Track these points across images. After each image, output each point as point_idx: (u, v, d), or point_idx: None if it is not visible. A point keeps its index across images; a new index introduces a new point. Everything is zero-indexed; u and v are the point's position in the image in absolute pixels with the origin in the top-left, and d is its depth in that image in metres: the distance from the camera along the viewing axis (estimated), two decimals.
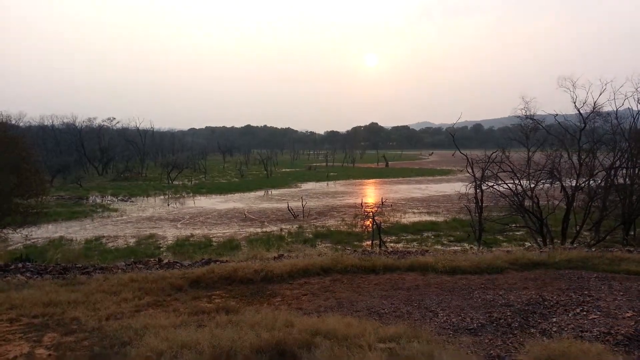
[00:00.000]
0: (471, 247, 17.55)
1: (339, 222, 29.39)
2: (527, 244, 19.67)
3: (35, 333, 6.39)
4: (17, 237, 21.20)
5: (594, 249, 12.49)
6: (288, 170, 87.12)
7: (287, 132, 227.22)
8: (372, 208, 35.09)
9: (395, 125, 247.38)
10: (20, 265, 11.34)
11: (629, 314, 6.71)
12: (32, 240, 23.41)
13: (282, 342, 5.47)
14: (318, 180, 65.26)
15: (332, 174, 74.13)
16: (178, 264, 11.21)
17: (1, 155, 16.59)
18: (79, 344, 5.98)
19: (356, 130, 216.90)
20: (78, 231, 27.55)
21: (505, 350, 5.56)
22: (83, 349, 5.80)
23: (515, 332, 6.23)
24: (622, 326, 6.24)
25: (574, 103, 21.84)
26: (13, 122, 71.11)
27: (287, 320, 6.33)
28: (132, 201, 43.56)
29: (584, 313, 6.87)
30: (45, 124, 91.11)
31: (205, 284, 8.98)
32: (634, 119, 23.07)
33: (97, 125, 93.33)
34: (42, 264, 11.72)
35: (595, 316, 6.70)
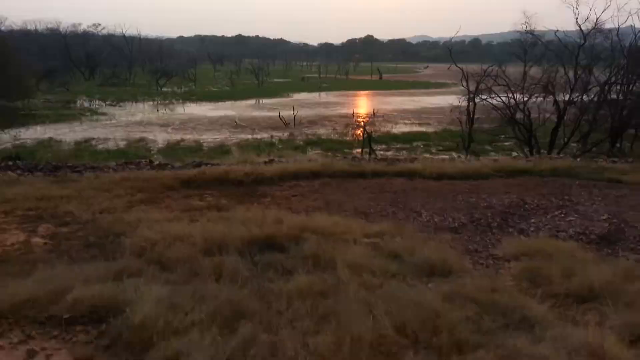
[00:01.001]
0: (459, 156, 17.80)
1: (330, 131, 29.40)
2: (515, 154, 19.96)
3: (30, 224, 6.56)
4: (6, 138, 21.09)
5: (579, 159, 12.73)
6: (280, 80, 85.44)
7: (280, 43, 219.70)
8: (363, 118, 35.01)
9: (392, 38, 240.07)
10: (10, 163, 11.40)
11: (604, 217, 7.02)
12: (21, 141, 23.26)
13: (272, 236, 5.69)
14: (310, 91, 64.23)
15: (324, 85, 72.82)
16: (169, 166, 11.30)
17: None
18: (73, 234, 6.18)
19: (351, 42, 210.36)
20: (67, 133, 27.31)
21: (483, 246, 5.86)
22: (78, 238, 5.99)
23: (494, 231, 6.51)
24: (596, 227, 6.54)
25: (576, 19, 21.29)
26: None
27: (276, 217, 6.52)
28: (121, 106, 42.92)
29: (562, 215, 7.15)
30: (29, 28, 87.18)
31: (196, 185, 9.12)
32: (635, 37, 22.57)
33: (82, 31, 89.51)
34: (33, 163, 11.77)
35: (573, 218, 6.99)
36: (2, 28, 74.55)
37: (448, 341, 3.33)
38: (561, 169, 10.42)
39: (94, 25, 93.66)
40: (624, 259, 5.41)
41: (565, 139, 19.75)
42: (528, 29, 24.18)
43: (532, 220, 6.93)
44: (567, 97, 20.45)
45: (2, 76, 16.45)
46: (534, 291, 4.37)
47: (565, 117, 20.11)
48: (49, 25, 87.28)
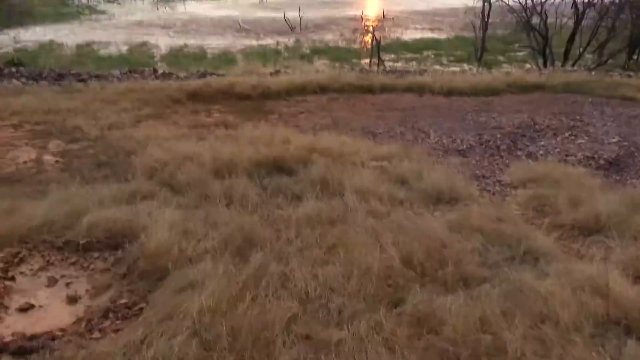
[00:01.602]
0: (471, 68, 17.30)
1: (338, 37, 28.28)
2: (528, 65, 19.33)
3: (40, 140, 6.60)
4: (6, 40, 20.47)
5: (593, 73, 12.37)
6: None
7: None
8: (372, 22, 33.55)
9: None
10: (14, 70, 11.20)
11: (614, 140, 6.95)
12: (22, 44, 22.63)
13: (280, 158, 5.71)
14: None
15: None
16: (174, 76, 11.11)
17: None
18: (83, 152, 6.23)
19: None
20: (68, 35, 26.45)
21: (490, 171, 5.88)
22: (89, 157, 6.05)
23: (503, 154, 6.51)
24: (605, 151, 6.51)
25: None
26: None
27: (284, 137, 6.51)
28: (119, 3, 41.13)
29: (572, 137, 7.10)
30: None
31: (202, 98, 9.01)
32: None
33: None
34: (36, 70, 11.54)
35: (582, 141, 6.94)
36: None
37: (454, 274, 3.44)
38: (574, 84, 10.18)
39: None
40: (631, 186, 5.44)
41: (581, 49, 18.97)
42: None
43: (542, 143, 6.89)
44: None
45: None
46: (540, 221, 4.45)
47: (583, 23, 19.14)
48: None
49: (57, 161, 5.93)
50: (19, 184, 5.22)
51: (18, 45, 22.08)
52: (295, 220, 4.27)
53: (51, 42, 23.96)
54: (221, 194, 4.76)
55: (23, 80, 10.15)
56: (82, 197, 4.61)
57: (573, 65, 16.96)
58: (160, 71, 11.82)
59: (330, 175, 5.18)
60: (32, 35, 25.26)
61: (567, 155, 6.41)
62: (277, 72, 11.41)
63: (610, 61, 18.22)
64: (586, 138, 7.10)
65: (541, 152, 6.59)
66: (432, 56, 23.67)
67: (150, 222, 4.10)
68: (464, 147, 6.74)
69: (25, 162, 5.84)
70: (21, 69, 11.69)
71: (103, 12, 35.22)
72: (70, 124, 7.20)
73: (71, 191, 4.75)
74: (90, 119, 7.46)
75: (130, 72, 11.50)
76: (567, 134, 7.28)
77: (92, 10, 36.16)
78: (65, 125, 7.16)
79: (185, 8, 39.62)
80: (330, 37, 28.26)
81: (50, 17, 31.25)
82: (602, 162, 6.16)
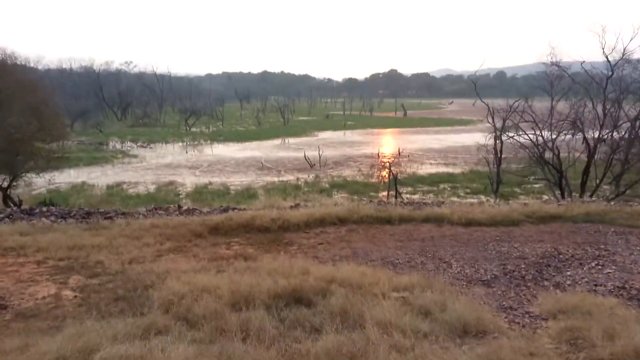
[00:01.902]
0: (488, 200, 17.52)
1: (356, 172, 29.43)
2: (545, 197, 19.50)
3: (62, 275, 6.66)
4: (41, 182, 21.68)
5: (613, 203, 12.35)
6: (305, 118, 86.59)
7: (305, 78, 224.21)
8: (389, 158, 34.97)
9: (415, 72, 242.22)
10: (44, 209, 11.68)
11: None
12: (55, 185, 23.97)
13: (299, 289, 5.62)
14: (335, 129, 64.87)
15: (349, 122, 73.52)
16: (197, 211, 11.43)
17: (22, 99, 16.71)
18: (103, 286, 6.23)
19: (375, 77, 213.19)
20: (99, 177, 28.08)
21: (518, 302, 5.65)
22: (107, 291, 6.04)
23: (529, 284, 6.30)
24: (636, 281, 6.26)
25: (603, 49, 20.98)
26: (32, 65, 71.37)
27: (303, 268, 6.48)
28: (151, 147, 44.03)
29: (599, 267, 6.89)
30: (64, 67, 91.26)
31: (224, 231, 9.17)
32: None
33: (115, 69, 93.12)
34: (66, 208, 12.05)
35: (610, 270, 6.71)
36: (39, 67, 78.03)
37: None
38: (594, 214, 10.12)
39: (126, 62, 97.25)
40: None
41: (597, 180, 19.23)
42: (553, 60, 23.95)
43: (568, 273, 6.68)
44: (596, 134, 20.02)
45: (39, 118, 16.99)
46: (575, 355, 4.16)
47: (595, 156, 19.64)
48: (83, 64, 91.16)
49: (75, 296, 5.91)
50: (35, 319, 5.18)
51: (52, 187, 23.38)
52: (314, 355, 4.07)
53: (83, 183, 25.39)
54: (237, 328, 4.63)
55: (52, 218, 10.54)
56: (97, 332, 4.52)
57: (591, 195, 17.05)
58: (184, 207, 12.20)
59: (350, 306, 5.05)
60: (66, 177, 26.87)
61: (596, 285, 6.16)
62: (297, 205, 11.68)
63: (628, 191, 18.31)
64: (614, 267, 6.88)
65: (568, 282, 6.36)
66: (449, 189, 24.21)
67: (163, 357, 3.95)
68: (488, 277, 6.56)
69: (44, 298, 5.84)
70: (52, 208, 12.22)
71: (135, 156, 37.58)
72: (92, 260, 7.32)
73: (86, 326, 4.69)
74: (113, 254, 7.60)
75: (155, 208, 11.90)
76: (593, 264, 7.07)
77: (125, 154, 38.65)
78: (87, 261, 7.28)
79: (212, 150, 42.14)
80: (348, 173, 29.39)
81: (85, 160, 33.46)
82: (634, 292, 5.89)
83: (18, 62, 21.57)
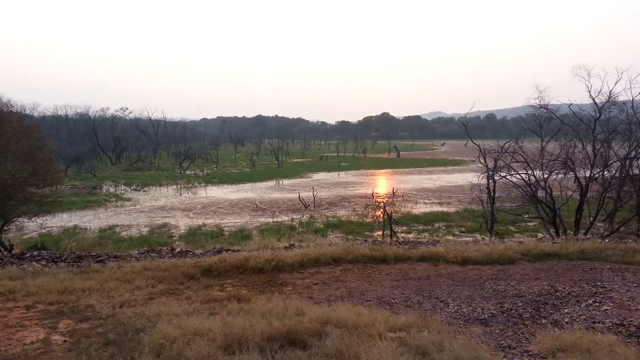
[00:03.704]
0: (483, 238, 17.45)
1: (350, 212, 29.40)
2: (540, 234, 19.53)
3: (51, 320, 6.52)
4: (33, 226, 21.51)
5: (607, 240, 12.37)
6: (299, 160, 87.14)
7: (298, 122, 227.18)
8: (383, 198, 35.01)
9: (407, 115, 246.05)
10: (35, 253, 11.53)
11: None
12: (47, 229, 23.74)
13: (293, 331, 5.51)
14: (329, 170, 65.25)
15: (343, 164, 74.03)
16: (190, 253, 11.32)
17: (16, 144, 16.79)
18: (93, 330, 6.09)
19: (367, 120, 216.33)
20: (92, 220, 27.87)
21: (516, 341, 5.56)
22: (97, 335, 5.90)
23: (527, 322, 6.22)
24: (635, 317, 6.20)
25: (589, 92, 21.42)
26: (27, 112, 71.95)
27: (298, 309, 6.38)
28: (145, 190, 43.93)
29: (597, 304, 6.83)
30: (59, 113, 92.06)
31: (217, 273, 9.07)
32: None
33: (110, 115, 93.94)
34: (57, 253, 11.90)
35: (608, 307, 6.66)
36: (35, 114, 78.63)
37: None
38: (589, 251, 10.11)
39: (121, 109, 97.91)
40: None
41: (591, 218, 19.31)
42: (541, 103, 24.44)
43: (566, 310, 6.61)
44: (588, 173, 20.23)
45: (33, 164, 17.03)
46: None
47: (588, 195, 19.79)
48: (79, 110, 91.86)
49: (65, 341, 5.76)
50: None
51: (43, 231, 23.15)
52: None
53: (75, 226, 25.17)
54: None
55: (43, 262, 10.39)
56: None
57: (585, 233, 17.07)
58: (177, 249, 12.08)
59: (345, 348, 4.95)
60: (58, 221, 26.65)
61: (594, 323, 6.10)
62: (292, 245, 11.60)
63: (622, 228, 18.37)
64: (611, 304, 6.82)
65: (566, 319, 6.29)
66: (444, 227, 24.17)
67: None
68: (485, 315, 6.47)
69: (32, 343, 5.69)
70: (43, 252, 12.06)
71: (128, 199, 37.42)
72: (83, 303, 7.18)
73: None
74: (104, 297, 7.46)
75: (148, 251, 11.78)
76: (590, 301, 7.01)
77: (119, 197, 38.49)
78: (78, 305, 7.14)
79: (206, 192, 42.10)
80: (342, 213, 29.33)
81: (77, 204, 33.28)
82: (632, 328, 5.82)
83: (14, 110, 21.79)
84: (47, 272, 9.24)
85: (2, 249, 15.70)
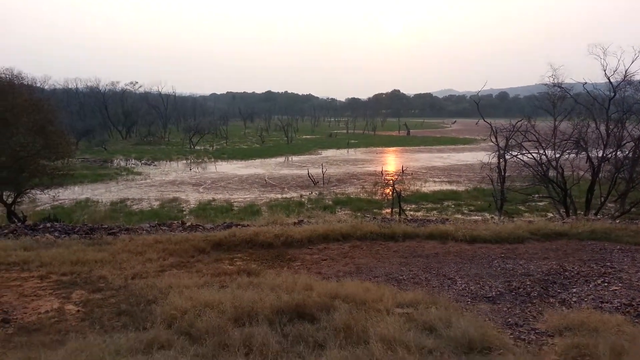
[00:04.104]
0: (492, 217, 17.45)
1: (359, 190, 29.41)
2: (550, 214, 19.46)
3: (64, 290, 6.65)
4: (45, 198, 21.77)
5: (618, 221, 12.29)
6: (308, 137, 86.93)
7: (308, 98, 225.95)
8: (392, 176, 34.97)
9: (418, 92, 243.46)
10: (48, 225, 11.70)
11: None
12: (59, 202, 24.04)
13: (302, 305, 5.58)
14: (338, 147, 65.09)
15: (352, 141, 73.76)
16: (200, 227, 11.42)
17: (27, 118, 16.87)
18: (106, 301, 6.21)
19: (378, 97, 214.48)
20: (103, 193, 28.15)
21: (524, 319, 5.59)
22: (110, 306, 6.01)
23: (534, 301, 6.24)
24: None
25: (604, 71, 21.09)
26: (38, 85, 72.31)
27: (306, 283, 6.45)
28: (156, 165, 44.19)
29: (605, 284, 6.83)
30: (70, 87, 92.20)
31: (227, 247, 9.16)
32: None
33: (120, 89, 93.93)
34: (70, 224, 12.07)
35: (617, 288, 6.65)
36: (46, 87, 78.82)
37: None
38: (600, 231, 10.06)
39: (131, 83, 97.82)
40: None
41: (602, 199, 19.18)
42: (555, 81, 24.06)
43: (574, 290, 6.62)
44: (600, 153, 20.02)
45: (44, 136, 17.15)
46: None
47: (600, 175, 19.61)
48: (89, 84, 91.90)
49: (78, 310, 5.89)
50: (38, 333, 5.15)
51: (56, 203, 23.45)
52: None
53: (87, 199, 25.45)
54: (240, 343, 4.59)
55: (56, 234, 10.55)
56: (99, 347, 4.51)
57: (596, 214, 16.97)
58: (188, 223, 12.20)
59: (353, 322, 5.00)
60: (70, 194, 26.96)
61: (602, 302, 6.10)
62: (301, 221, 11.66)
63: (633, 209, 18.23)
64: (620, 285, 6.82)
65: (574, 299, 6.30)
66: (453, 206, 24.14)
67: None
68: (493, 293, 6.50)
69: (46, 312, 5.82)
70: (55, 224, 12.24)
71: (139, 173, 37.69)
72: (95, 275, 7.31)
73: (89, 341, 4.68)
74: (116, 269, 7.58)
75: (159, 224, 11.91)
76: (599, 281, 7.01)
77: (129, 171, 38.77)
78: (90, 276, 7.26)
79: (215, 168, 42.26)
80: (351, 190, 29.37)
81: (89, 177, 33.60)
82: None
83: (25, 82, 21.85)
84: (60, 244, 9.40)
85: (16, 220, 15.96)
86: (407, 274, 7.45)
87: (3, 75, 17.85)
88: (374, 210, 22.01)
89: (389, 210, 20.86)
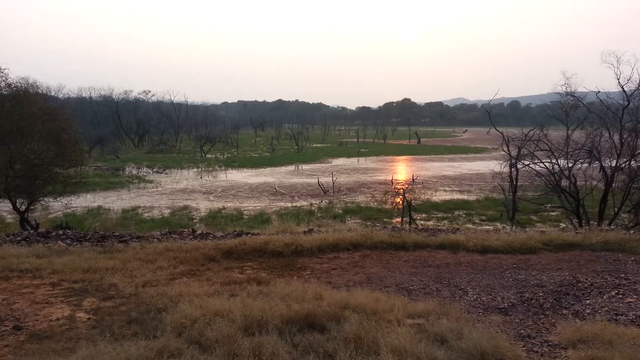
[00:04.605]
0: (504, 227, 17.28)
1: (369, 199, 29.33)
2: (562, 224, 19.25)
3: (76, 297, 6.68)
4: (58, 206, 21.96)
5: (632, 232, 12.13)
6: (319, 145, 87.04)
7: (319, 107, 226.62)
8: (402, 185, 34.86)
9: (429, 101, 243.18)
10: (60, 232, 11.79)
11: None
12: (72, 209, 24.24)
13: (312, 314, 5.56)
14: (349, 156, 65.07)
15: (363, 150, 73.72)
16: (211, 235, 11.45)
17: (42, 126, 17.08)
18: (116, 309, 6.23)
19: (388, 106, 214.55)
20: (115, 201, 28.36)
21: (536, 331, 5.52)
22: (121, 313, 6.03)
23: (547, 312, 6.16)
24: None
25: (618, 79, 20.89)
26: (52, 93, 73.39)
27: (316, 293, 6.43)
28: (167, 173, 44.46)
29: (620, 296, 6.72)
30: (84, 95, 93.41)
31: (237, 255, 9.16)
32: None
33: (133, 98, 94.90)
34: (82, 232, 12.16)
35: (632, 300, 6.55)
36: (60, 96, 79.90)
37: None
38: (614, 242, 9.92)
39: (144, 92, 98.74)
40: None
41: (615, 209, 18.93)
42: (568, 90, 23.85)
43: (588, 302, 6.53)
44: (614, 163, 19.79)
45: (58, 144, 17.35)
46: None
47: (613, 185, 19.37)
48: (102, 92, 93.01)
49: (89, 318, 5.92)
50: (49, 340, 5.18)
51: (68, 211, 23.65)
52: None
53: (99, 207, 25.65)
54: (250, 352, 4.59)
55: (68, 241, 10.62)
56: (110, 354, 4.52)
57: (609, 224, 16.76)
58: (198, 231, 12.24)
59: (364, 332, 4.97)
60: (82, 201, 27.18)
61: (617, 315, 6.01)
62: (311, 230, 11.65)
63: None
64: (635, 297, 6.71)
65: (588, 311, 6.21)
66: (463, 215, 23.97)
67: None
68: (505, 305, 6.43)
69: (58, 319, 5.85)
70: (67, 231, 12.33)
71: (151, 181, 37.94)
72: (106, 282, 7.35)
73: (99, 348, 4.68)
74: (127, 277, 7.62)
75: (169, 232, 11.96)
76: (613, 293, 6.91)
77: (141, 179, 39.04)
78: (101, 284, 7.30)
79: (226, 176, 42.43)
80: (361, 199, 29.29)
81: (101, 185, 33.89)
82: None
83: (39, 91, 22.15)
84: (72, 251, 9.47)
85: (29, 228, 16.11)
86: (418, 284, 7.39)
87: (18, 84, 18.12)
88: (384, 220, 21.92)
89: (399, 220, 20.77)
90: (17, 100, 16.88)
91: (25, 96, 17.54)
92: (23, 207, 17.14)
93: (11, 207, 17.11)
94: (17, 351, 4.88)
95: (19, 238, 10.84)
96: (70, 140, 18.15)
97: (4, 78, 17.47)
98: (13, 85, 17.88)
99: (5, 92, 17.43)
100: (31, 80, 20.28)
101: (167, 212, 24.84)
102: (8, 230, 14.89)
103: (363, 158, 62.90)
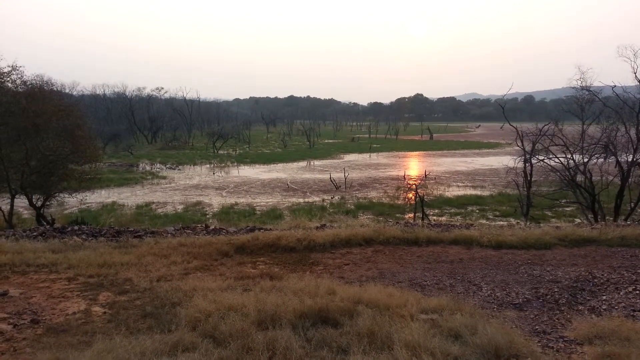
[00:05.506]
0: (518, 222, 17.13)
1: (381, 194, 29.25)
2: (577, 220, 19.02)
3: (91, 292, 6.76)
4: (73, 201, 22.24)
5: None
6: (331, 141, 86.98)
7: (330, 103, 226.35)
8: (415, 180, 34.71)
9: (441, 96, 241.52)
10: (76, 227, 11.94)
11: None
12: (87, 205, 24.51)
13: (325, 309, 5.55)
14: (361, 151, 64.95)
15: (375, 145, 73.48)
16: (224, 231, 11.51)
17: (57, 122, 17.29)
18: (131, 303, 6.29)
19: (400, 101, 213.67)
20: (129, 197, 28.63)
21: (552, 327, 5.47)
22: (136, 308, 6.09)
23: (563, 308, 6.10)
24: None
25: (634, 73, 20.56)
26: (67, 90, 74.17)
27: (329, 288, 6.42)
28: (180, 169, 44.77)
29: (637, 292, 6.63)
30: (98, 92, 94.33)
31: (250, 250, 9.21)
32: None
33: (146, 94, 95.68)
34: (97, 227, 12.30)
35: None
36: (74, 93, 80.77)
37: None
38: (630, 237, 9.78)
39: (157, 89, 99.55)
40: None
41: (632, 204, 18.68)
42: (583, 84, 23.52)
43: (604, 297, 6.45)
44: (630, 158, 19.51)
45: (73, 141, 17.56)
46: None
47: (630, 180, 19.11)
48: (116, 89, 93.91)
49: (104, 312, 5.98)
50: (65, 334, 5.24)
51: (83, 206, 23.93)
52: None
53: (113, 203, 25.91)
54: (264, 347, 4.59)
55: (83, 236, 10.76)
56: (125, 348, 4.55)
57: (626, 219, 16.53)
58: (211, 227, 12.31)
59: (377, 327, 4.96)
60: (97, 197, 27.46)
61: (634, 311, 5.92)
62: (323, 226, 11.66)
63: None
64: None
65: (604, 306, 6.13)
66: (477, 211, 23.80)
67: None
68: (520, 300, 6.38)
69: (74, 313, 5.92)
70: (83, 226, 12.49)
71: (164, 177, 38.23)
72: (121, 277, 7.42)
73: (115, 342, 4.72)
74: (142, 272, 7.69)
75: (183, 228, 12.05)
76: (630, 288, 6.81)
77: (154, 175, 39.35)
78: (117, 278, 7.38)
79: (238, 172, 42.61)
80: (374, 194, 29.22)
81: (115, 181, 34.22)
82: None
83: (54, 89, 22.41)
84: (87, 246, 9.58)
85: (45, 223, 16.34)
86: (431, 280, 7.36)
87: (34, 82, 18.34)
88: (397, 215, 21.85)
89: (411, 215, 20.69)
90: (33, 98, 17.09)
91: (41, 93, 17.77)
92: (39, 203, 17.38)
93: (27, 203, 17.36)
94: (34, 344, 4.95)
95: (35, 233, 11.00)
96: (84, 137, 18.36)
97: (19, 76, 17.74)
98: (28, 82, 18.16)
99: (21, 90, 17.67)
100: (46, 77, 20.54)
101: (180, 207, 25.02)
102: (25, 226, 15.14)
103: (375, 154, 62.73)
